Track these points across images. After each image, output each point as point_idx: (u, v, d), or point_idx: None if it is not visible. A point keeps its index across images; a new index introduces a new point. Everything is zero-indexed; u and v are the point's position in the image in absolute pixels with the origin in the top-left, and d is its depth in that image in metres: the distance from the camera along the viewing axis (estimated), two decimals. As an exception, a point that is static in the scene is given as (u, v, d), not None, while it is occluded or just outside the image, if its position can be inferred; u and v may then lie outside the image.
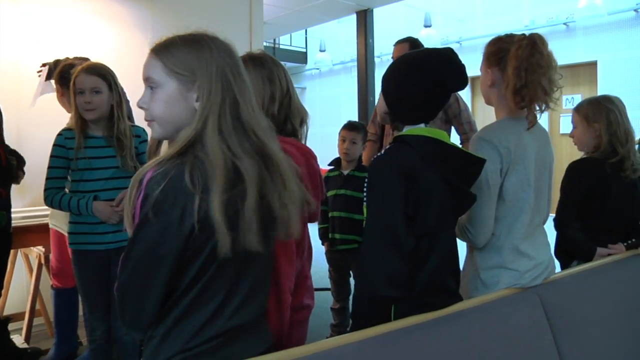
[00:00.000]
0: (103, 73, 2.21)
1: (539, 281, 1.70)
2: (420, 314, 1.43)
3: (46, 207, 2.74)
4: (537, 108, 1.65)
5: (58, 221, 2.74)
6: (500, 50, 1.68)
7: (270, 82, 1.56)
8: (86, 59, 2.69)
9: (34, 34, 3.57)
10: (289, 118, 1.59)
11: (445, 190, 1.44)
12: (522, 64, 1.60)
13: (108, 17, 3.91)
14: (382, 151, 1.50)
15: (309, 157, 1.58)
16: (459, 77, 1.47)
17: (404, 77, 1.48)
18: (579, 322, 1.71)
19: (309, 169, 1.55)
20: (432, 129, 1.51)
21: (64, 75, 2.62)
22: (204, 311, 1.11)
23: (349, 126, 3.11)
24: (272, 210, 1.14)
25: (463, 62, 1.48)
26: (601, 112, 2.17)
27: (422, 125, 1.52)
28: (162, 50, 1.15)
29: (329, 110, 11.24)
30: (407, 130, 1.50)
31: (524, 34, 1.67)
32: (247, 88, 1.17)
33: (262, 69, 1.57)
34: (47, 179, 2.23)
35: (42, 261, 2.98)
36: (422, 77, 1.45)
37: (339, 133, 3.14)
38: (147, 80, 1.15)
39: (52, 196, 2.20)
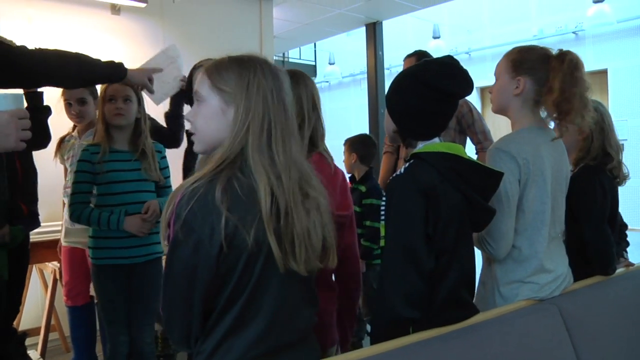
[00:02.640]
0: (134, 86, 2.29)
1: (557, 293, 1.68)
2: (437, 328, 1.41)
3: (60, 222, 2.76)
4: (568, 120, 1.65)
5: (76, 237, 2.73)
6: (534, 59, 1.68)
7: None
8: None
9: (48, 52, 3.62)
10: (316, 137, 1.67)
11: (464, 206, 1.42)
12: (566, 77, 1.61)
13: (120, 33, 3.96)
14: (400, 170, 1.47)
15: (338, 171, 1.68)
16: (462, 82, 1.45)
17: (408, 91, 1.46)
18: (599, 332, 1.70)
19: (343, 182, 1.65)
20: (448, 143, 1.50)
21: None
22: (252, 328, 1.14)
23: None
24: (309, 231, 1.17)
25: (465, 68, 1.47)
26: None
27: (437, 139, 1.50)
28: (211, 68, 1.20)
29: (339, 123, 11.25)
30: (423, 146, 1.48)
31: (560, 50, 1.68)
32: (285, 111, 1.19)
33: (305, 88, 1.65)
34: (72, 194, 2.25)
35: (57, 276, 3.00)
36: (425, 88, 1.43)
37: None
38: (195, 94, 1.21)
39: (80, 211, 2.20)
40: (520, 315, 1.56)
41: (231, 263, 1.10)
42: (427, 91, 1.43)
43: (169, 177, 2.43)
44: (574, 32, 7.77)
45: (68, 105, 2.67)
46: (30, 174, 2.57)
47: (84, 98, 2.65)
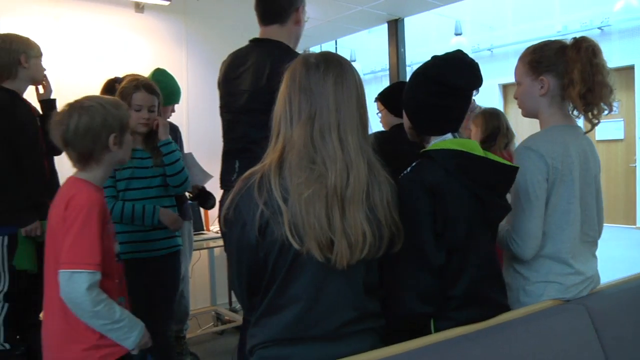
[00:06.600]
0: (157, 92, 2.30)
1: (585, 293, 1.66)
2: (462, 326, 1.41)
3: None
4: (596, 112, 1.61)
5: None
6: (551, 55, 1.64)
7: None
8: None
9: (72, 50, 3.68)
10: None
11: (474, 203, 1.42)
12: (586, 67, 1.57)
13: (143, 31, 4.00)
14: (408, 168, 1.48)
15: None
16: (469, 75, 1.45)
17: (418, 87, 1.49)
18: (629, 333, 1.66)
19: None
20: (460, 139, 1.49)
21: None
22: (284, 314, 1.23)
23: None
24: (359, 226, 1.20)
25: (474, 62, 1.47)
26: None
27: (449, 135, 1.49)
28: None
29: (359, 120, 11.19)
30: (433, 144, 1.48)
31: (574, 38, 1.63)
32: (338, 102, 1.23)
33: None
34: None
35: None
36: (433, 83, 1.44)
37: None
38: None
39: (112, 205, 2.20)
40: (546, 315, 1.54)
41: (267, 249, 1.21)
42: (434, 85, 1.44)
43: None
44: (599, 28, 7.64)
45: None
46: (55, 173, 2.66)
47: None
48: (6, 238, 2.40)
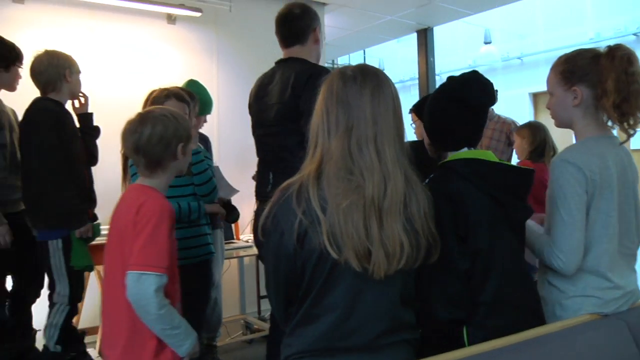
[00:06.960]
0: (187, 100, 2.35)
1: (624, 308, 1.61)
2: (498, 339, 1.38)
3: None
4: (632, 122, 1.57)
5: None
6: (584, 65, 1.60)
7: None
8: None
9: (106, 61, 3.76)
10: None
11: (493, 205, 1.45)
12: (621, 76, 1.53)
13: (175, 42, 4.07)
14: (427, 180, 1.51)
15: None
16: (482, 93, 1.52)
17: (434, 105, 1.57)
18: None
19: None
20: (475, 150, 1.55)
21: None
22: (320, 323, 1.24)
23: None
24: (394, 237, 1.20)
25: (487, 81, 1.54)
26: None
27: (465, 149, 1.55)
28: None
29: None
30: (450, 156, 1.54)
31: (608, 46, 1.59)
32: (375, 114, 1.23)
33: None
34: None
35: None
36: (448, 101, 1.53)
37: None
38: None
39: None
40: (585, 329, 1.50)
41: (305, 258, 1.21)
42: (450, 104, 1.53)
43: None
44: (634, 34, 7.47)
45: None
46: (92, 182, 2.80)
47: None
48: (60, 241, 2.51)
